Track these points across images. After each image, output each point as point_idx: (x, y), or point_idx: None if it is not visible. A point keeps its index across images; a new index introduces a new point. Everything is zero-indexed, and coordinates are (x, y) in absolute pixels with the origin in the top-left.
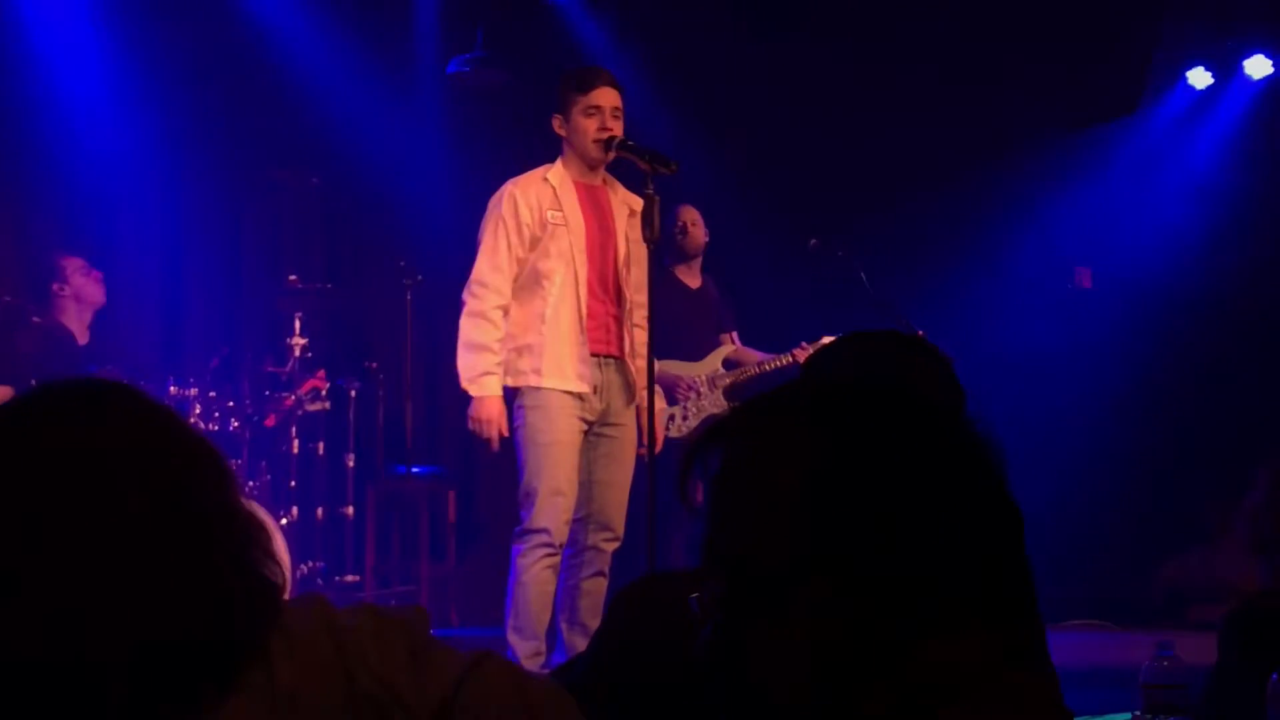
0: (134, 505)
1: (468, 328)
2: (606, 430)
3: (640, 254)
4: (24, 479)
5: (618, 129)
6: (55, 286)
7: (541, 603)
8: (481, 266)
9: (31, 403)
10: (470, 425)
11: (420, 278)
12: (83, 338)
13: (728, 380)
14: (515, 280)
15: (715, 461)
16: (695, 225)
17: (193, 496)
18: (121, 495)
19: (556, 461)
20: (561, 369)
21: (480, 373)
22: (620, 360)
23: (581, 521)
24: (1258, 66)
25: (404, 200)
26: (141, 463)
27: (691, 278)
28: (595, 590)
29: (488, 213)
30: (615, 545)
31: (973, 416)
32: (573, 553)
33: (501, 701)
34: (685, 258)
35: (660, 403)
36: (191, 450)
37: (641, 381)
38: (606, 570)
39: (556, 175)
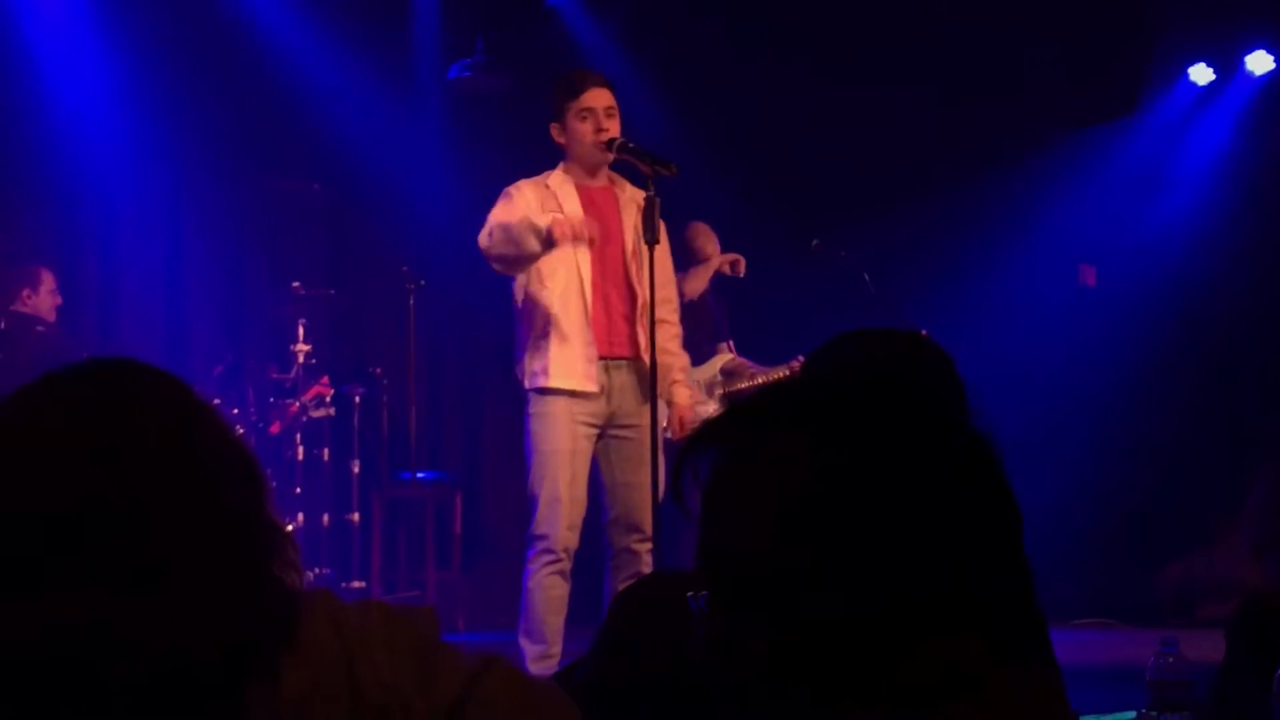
0: (152, 504)
1: (497, 234)
2: (620, 432)
3: (655, 251)
4: (38, 474)
5: (614, 128)
6: (25, 292)
7: (547, 606)
8: (492, 216)
9: (40, 392)
10: (557, 235)
11: (423, 282)
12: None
13: (723, 389)
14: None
15: (708, 463)
16: (708, 243)
17: (217, 498)
18: (140, 491)
19: (556, 469)
20: (566, 369)
21: (529, 226)
22: (633, 360)
23: (612, 524)
24: (1259, 62)
25: (406, 206)
26: (159, 459)
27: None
28: None
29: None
30: (647, 545)
31: (974, 414)
32: (611, 555)
33: (507, 707)
34: (688, 270)
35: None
36: (215, 447)
37: (659, 378)
38: (644, 571)
39: (557, 180)
